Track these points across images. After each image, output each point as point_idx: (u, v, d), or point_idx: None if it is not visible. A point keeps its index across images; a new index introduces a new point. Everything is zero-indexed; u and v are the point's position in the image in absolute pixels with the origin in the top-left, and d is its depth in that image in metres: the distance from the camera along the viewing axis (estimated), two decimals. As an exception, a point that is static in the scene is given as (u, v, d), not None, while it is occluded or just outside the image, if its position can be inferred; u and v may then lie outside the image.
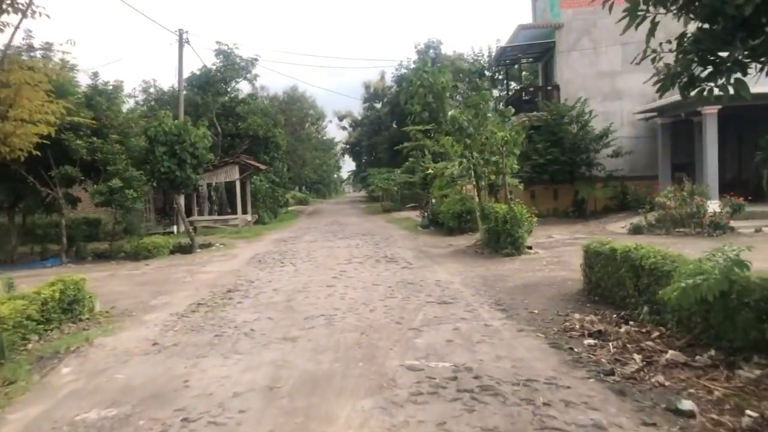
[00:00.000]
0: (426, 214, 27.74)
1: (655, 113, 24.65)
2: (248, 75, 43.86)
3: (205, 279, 14.98)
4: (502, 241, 15.87)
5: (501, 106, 33.29)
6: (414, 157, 43.20)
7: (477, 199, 19.92)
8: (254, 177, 40.26)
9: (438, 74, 26.01)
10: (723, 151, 23.32)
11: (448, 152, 40.57)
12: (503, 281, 12.27)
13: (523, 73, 41.24)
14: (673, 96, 22.29)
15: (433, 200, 29.34)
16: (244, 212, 32.45)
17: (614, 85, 27.79)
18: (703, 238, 17.23)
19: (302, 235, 26.63)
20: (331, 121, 76.24)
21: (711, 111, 19.36)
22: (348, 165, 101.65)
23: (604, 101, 27.34)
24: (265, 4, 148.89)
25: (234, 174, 30.38)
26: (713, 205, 18.48)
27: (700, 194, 18.48)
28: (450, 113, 16.98)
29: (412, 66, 54.74)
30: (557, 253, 15.86)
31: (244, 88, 49.42)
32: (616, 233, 19.97)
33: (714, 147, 19.47)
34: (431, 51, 54.07)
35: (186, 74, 46.25)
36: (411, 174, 43.22)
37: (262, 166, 34.71)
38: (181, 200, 30.09)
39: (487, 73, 48.65)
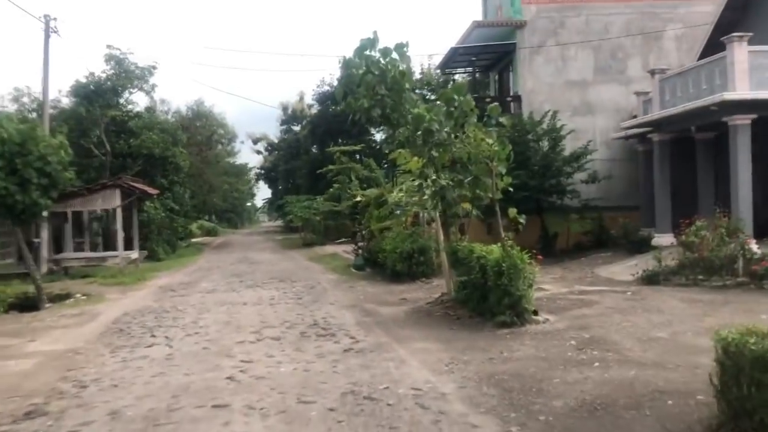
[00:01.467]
0: (360, 251, 22.17)
1: (644, 129, 20.14)
2: (145, 85, 37.29)
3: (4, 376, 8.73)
4: (494, 301, 10.44)
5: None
6: (339, 182, 37.78)
7: (440, 236, 14.50)
8: (147, 204, 33.57)
9: (393, 56, 20.43)
10: (716, 177, 19.03)
11: (378, 178, 35.20)
12: (539, 393, 6.74)
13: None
14: (676, 107, 18.38)
15: (364, 233, 23.80)
16: (129, 247, 25.80)
17: (585, 97, 23.32)
18: (757, 292, 12.45)
19: (199, 280, 20.39)
20: (243, 142, 69.71)
21: (743, 121, 14.83)
22: (263, 192, 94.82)
23: (574, 116, 22.76)
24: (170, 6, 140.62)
25: (114, 200, 23.84)
26: (752, 246, 13.82)
27: (733, 231, 13.78)
28: (415, 111, 11.48)
29: (336, 80, 49.80)
30: (576, 320, 10.56)
31: (140, 101, 42.75)
32: (620, 282, 15.00)
33: (747, 168, 14.90)
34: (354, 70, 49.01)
35: (70, 81, 39.37)
36: (336, 202, 37.64)
37: (153, 191, 28.16)
38: (44, 233, 23.30)
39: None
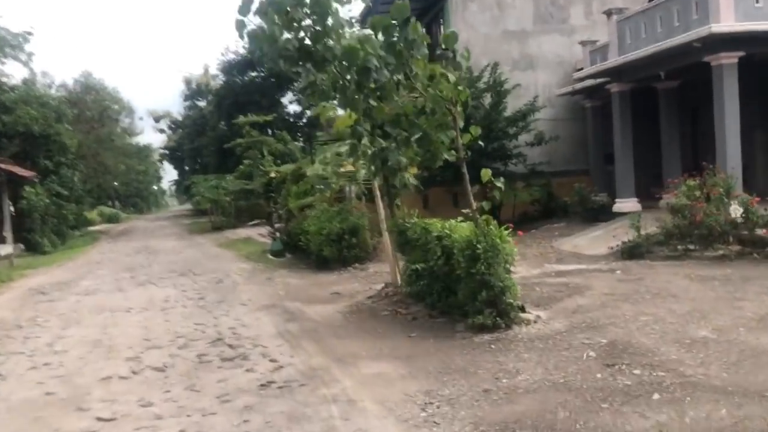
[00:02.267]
0: (277, 234, 18.95)
1: (593, 83, 17.83)
2: (20, 54, 32.31)
3: None
4: (466, 296, 7.63)
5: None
6: (250, 158, 34.16)
7: (381, 212, 11.52)
8: (26, 189, 28.90)
9: None
10: (682, 133, 17.01)
11: (294, 152, 31.89)
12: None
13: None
14: (643, 49, 13.99)
15: (281, 213, 20.62)
16: (-2, 241, 21.54)
17: (525, 49, 20.81)
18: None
19: (82, 277, 16.64)
20: (142, 119, 64.41)
21: (730, 59, 12.57)
22: (171, 174, 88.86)
23: (513, 71, 20.19)
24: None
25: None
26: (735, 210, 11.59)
27: (726, 190, 11.56)
28: (345, 43, 8.36)
29: (242, 48, 45.60)
30: (575, 315, 7.87)
31: (16, 73, 37.42)
32: (594, 258, 12.57)
33: (735, 117, 12.67)
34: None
35: None
36: (248, 180, 34.01)
37: (27, 173, 23.70)
38: None
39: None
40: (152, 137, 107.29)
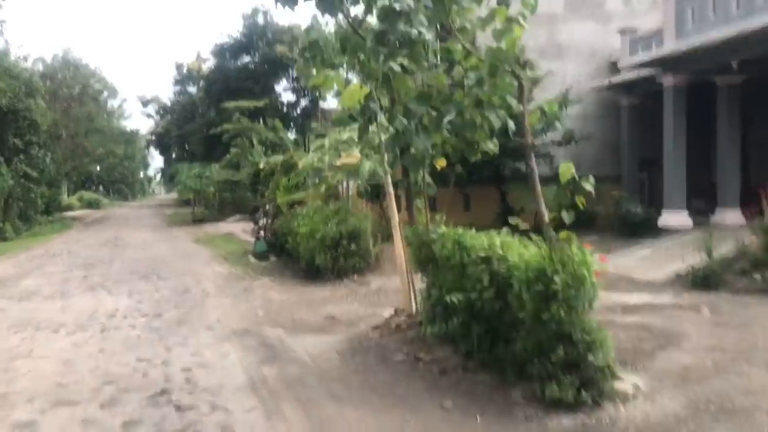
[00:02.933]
0: (262, 233, 16.38)
1: (634, 77, 15.38)
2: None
3: None
4: (530, 351, 5.13)
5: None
6: (238, 146, 31.53)
7: (393, 214, 8.89)
8: (-14, 168, 26.20)
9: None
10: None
11: (286, 142, 29.30)
12: None
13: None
14: (715, 32, 11.32)
15: (267, 208, 18.01)
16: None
17: (554, 36, 18.30)
18: None
19: (27, 274, 14.02)
20: (126, 100, 61.57)
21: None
22: (159, 161, 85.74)
23: (540, 59, 17.64)
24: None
25: None
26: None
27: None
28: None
29: (237, 31, 42.89)
30: (689, 385, 5.35)
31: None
32: (652, 285, 10.09)
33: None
34: (260, 16, 42.41)
35: None
36: (234, 170, 31.40)
37: None
38: None
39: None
40: (141, 122, 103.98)
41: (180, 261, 15.91)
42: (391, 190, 8.47)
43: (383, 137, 7.97)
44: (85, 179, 66.43)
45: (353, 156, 12.46)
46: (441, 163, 7.63)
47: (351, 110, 8.49)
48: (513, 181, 16.74)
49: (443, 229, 7.17)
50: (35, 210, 30.03)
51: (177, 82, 60.19)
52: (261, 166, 26.92)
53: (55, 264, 15.83)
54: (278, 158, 24.39)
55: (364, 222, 11.75)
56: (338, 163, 12.92)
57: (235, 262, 15.32)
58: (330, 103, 44.65)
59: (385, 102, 7.36)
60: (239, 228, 24.06)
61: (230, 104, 32.71)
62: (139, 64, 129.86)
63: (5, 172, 26.89)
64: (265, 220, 17.02)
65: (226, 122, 34.24)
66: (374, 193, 14.63)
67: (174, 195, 73.01)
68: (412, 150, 6.82)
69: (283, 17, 42.52)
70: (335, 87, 9.16)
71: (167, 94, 64.02)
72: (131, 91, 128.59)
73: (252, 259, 15.49)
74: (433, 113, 6.90)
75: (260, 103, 33.19)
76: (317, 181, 13.57)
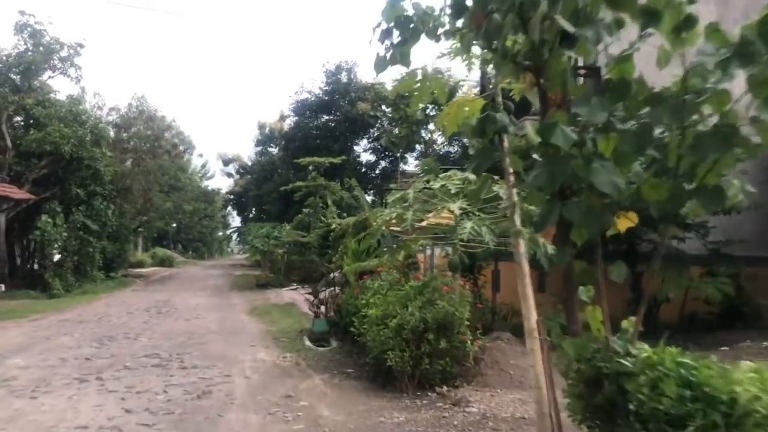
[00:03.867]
0: (323, 308, 13.09)
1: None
2: (70, 69, 28.46)
3: None
4: None
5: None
6: (311, 206, 28.83)
7: (529, 297, 5.34)
8: (42, 219, 24.37)
9: None
10: None
11: (363, 204, 26.38)
12: None
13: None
14: None
15: (334, 276, 14.70)
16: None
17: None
18: None
19: (31, 345, 11.18)
20: (201, 155, 61.03)
21: None
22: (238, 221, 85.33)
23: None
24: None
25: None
26: None
27: None
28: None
29: (318, 89, 41.11)
30: None
31: (63, 89, 33.61)
32: None
33: None
34: (343, 74, 40.55)
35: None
36: (305, 231, 28.62)
37: (20, 195, 18.66)
38: None
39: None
40: (221, 182, 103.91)
41: (221, 340, 12.72)
42: (524, 262, 4.92)
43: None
44: (160, 236, 65.87)
45: (442, 215, 9.13)
46: (627, 222, 4.08)
47: (462, 129, 5.25)
48: (650, 259, 12.82)
49: (644, 350, 3.59)
50: (92, 265, 27.95)
51: (258, 142, 59.39)
52: (333, 227, 24.00)
53: (71, 334, 12.95)
54: (350, 220, 21.43)
55: (460, 307, 8.20)
56: (424, 222, 9.58)
57: (287, 345, 11.97)
58: (413, 165, 41.96)
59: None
60: (304, 296, 20.92)
61: (305, 160, 30.21)
62: (220, 121, 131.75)
63: (60, 223, 25.02)
64: (327, 291, 13.74)
65: (302, 180, 31.93)
66: (471, 265, 11.12)
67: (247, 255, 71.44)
68: (599, 186, 3.37)
69: (367, 74, 40.38)
70: (426, 101, 5.89)
71: (248, 152, 63.02)
72: (212, 149, 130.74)
73: (307, 343, 12.14)
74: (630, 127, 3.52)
75: (337, 160, 30.55)
76: (395, 246, 10.19)
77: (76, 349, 11.11)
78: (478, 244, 8.18)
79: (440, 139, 35.77)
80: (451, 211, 8.52)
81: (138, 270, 42.70)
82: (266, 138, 57.82)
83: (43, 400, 7.48)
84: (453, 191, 8.70)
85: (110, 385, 8.27)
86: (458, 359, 8.18)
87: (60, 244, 24.88)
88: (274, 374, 9.36)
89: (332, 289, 14.28)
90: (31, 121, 27.81)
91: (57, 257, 25.39)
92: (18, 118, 28.39)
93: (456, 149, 36.25)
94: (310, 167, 31.08)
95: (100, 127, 28.78)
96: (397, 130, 34.15)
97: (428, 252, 13.46)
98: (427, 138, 36.77)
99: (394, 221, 9.05)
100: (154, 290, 27.50)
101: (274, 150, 55.82)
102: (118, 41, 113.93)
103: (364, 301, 10.45)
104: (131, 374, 9.01)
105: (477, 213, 8.47)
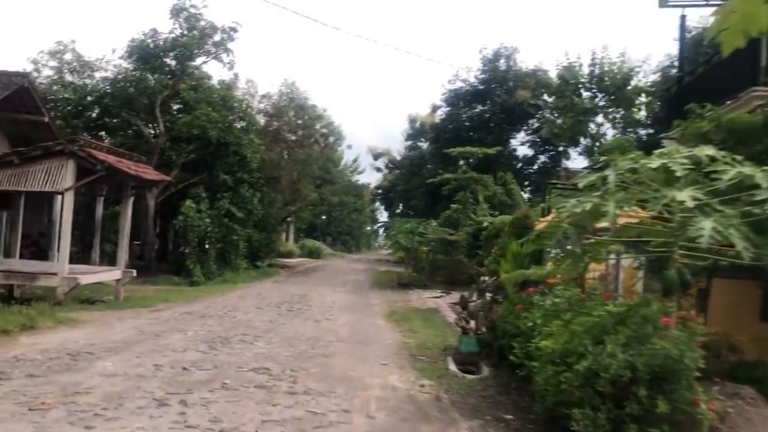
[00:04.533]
0: (473, 323, 10.57)
1: None
2: (222, 54, 27.95)
3: None
4: None
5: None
6: (460, 201, 26.32)
7: None
8: (186, 204, 23.91)
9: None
10: None
11: (519, 201, 23.54)
12: None
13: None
14: None
15: (485, 282, 12.06)
16: (82, 256, 15.87)
17: None
18: None
19: (132, 345, 9.70)
20: (350, 146, 60.40)
21: None
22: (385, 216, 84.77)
23: None
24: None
25: (61, 177, 13.86)
26: None
27: None
28: None
29: (474, 77, 38.50)
30: None
31: (215, 73, 33.41)
32: None
33: None
34: (501, 61, 37.55)
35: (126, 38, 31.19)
36: (452, 229, 26.17)
37: (153, 175, 17.73)
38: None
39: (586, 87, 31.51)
40: (370, 176, 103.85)
41: (348, 351, 10.59)
42: None
43: None
44: (310, 227, 66.42)
45: (637, 213, 6.34)
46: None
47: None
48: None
49: None
50: (236, 253, 27.33)
51: (409, 137, 57.83)
52: (483, 224, 21.40)
53: (185, 332, 11.41)
54: (504, 218, 18.78)
55: (689, 349, 5.34)
56: (624, 220, 6.76)
57: (426, 367, 9.58)
58: (576, 161, 38.13)
59: None
60: (449, 300, 18.52)
61: (456, 149, 27.73)
62: (371, 113, 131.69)
63: (204, 209, 24.46)
64: (478, 302, 11.18)
65: (451, 172, 29.56)
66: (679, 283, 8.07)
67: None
68: None
69: (528, 61, 37.20)
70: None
71: (397, 146, 61.58)
72: (362, 142, 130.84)
73: (452, 366, 9.67)
74: None
75: (492, 150, 27.77)
76: (578, 251, 7.43)
77: (180, 352, 9.43)
78: (706, 254, 5.39)
79: (610, 132, 31.81)
80: (675, 203, 5.68)
81: (285, 260, 42.56)
82: (416, 132, 56.07)
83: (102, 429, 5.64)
84: (679, 173, 5.82)
85: (192, 416, 6.30)
86: (683, 429, 5.32)
87: (202, 230, 24.29)
88: (406, 413, 6.98)
89: (483, 298, 11.71)
90: (182, 106, 27.77)
91: (200, 244, 24.85)
92: (173, 105, 28.46)
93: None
94: (461, 161, 28.54)
95: (248, 112, 28.11)
96: (560, 120, 30.66)
97: (613, 262, 10.48)
98: (594, 131, 32.91)
99: (583, 216, 6.31)
100: (294, 282, 26.37)
101: (424, 144, 53.96)
102: (268, 28, 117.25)
103: (530, 323, 7.87)
104: (225, 398, 7.03)
105: (718, 207, 5.56)
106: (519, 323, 8.38)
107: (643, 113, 30.61)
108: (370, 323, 14.47)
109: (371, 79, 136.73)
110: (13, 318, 10.38)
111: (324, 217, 67.38)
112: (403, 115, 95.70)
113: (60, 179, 13.77)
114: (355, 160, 74.65)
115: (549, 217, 12.22)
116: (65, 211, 13.96)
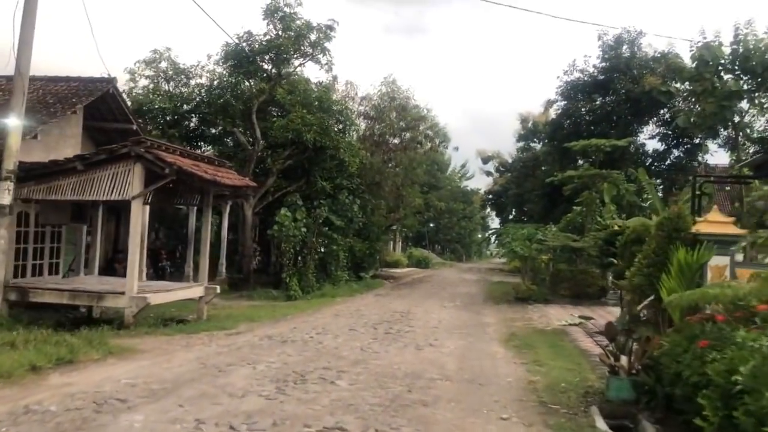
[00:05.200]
0: (624, 359, 7.79)
1: None
2: (319, 55, 26.14)
3: None
4: None
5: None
6: (584, 202, 23.13)
7: None
8: (281, 213, 22.26)
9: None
10: None
11: (655, 202, 20.20)
12: None
13: None
14: None
15: (639, 310, 9.14)
16: (174, 271, 14.25)
17: None
18: None
19: (177, 388, 7.71)
20: (457, 149, 57.72)
21: None
22: (497, 222, 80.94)
23: None
24: None
25: (129, 184, 12.30)
26: None
27: None
28: None
29: (592, 66, 34.84)
30: None
31: (313, 76, 31.68)
32: None
33: None
34: (624, 47, 33.69)
35: (220, 42, 30.80)
36: (576, 235, 22.97)
37: (238, 181, 15.91)
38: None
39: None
40: (479, 181, 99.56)
41: (454, 397, 8.06)
42: None
43: None
44: (418, 235, 64.31)
45: None
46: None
47: None
48: None
49: None
50: (336, 264, 25.49)
51: (520, 137, 54.60)
52: (615, 228, 18.21)
53: (255, 365, 9.28)
54: (644, 220, 15.71)
55: None
56: None
57: (565, 424, 6.90)
58: (716, 156, 33.60)
59: None
60: (577, 318, 15.53)
61: (579, 143, 24.54)
62: (477, 117, 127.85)
63: (300, 218, 22.73)
64: (633, 334, 8.31)
65: (570, 177, 26.35)
66: None
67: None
68: None
69: (657, 43, 33.13)
70: None
71: (508, 149, 58.29)
72: (469, 147, 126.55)
73: (600, 424, 6.94)
74: None
75: (622, 142, 24.36)
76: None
77: (238, 398, 7.30)
78: None
79: (760, 121, 27.29)
80: None
81: (392, 270, 40.60)
82: (529, 132, 52.75)
83: None
84: None
85: None
86: None
87: (298, 239, 22.57)
88: None
89: (634, 321, 8.85)
90: (277, 110, 26.39)
91: (296, 254, 23.15)
92: (270, 110, 27.12)
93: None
94: (580, 160, 25.28)
95: (347, 113, 26.28)
96: (698, 107, 26.56)
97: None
98: (737, 120, 28.43)
99: None
100: (398, 296, 24.12)
101: (537, 145, 50.45)
102: (366, 29, 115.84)
103: (723, 367, 5.17)
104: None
105: None
106: (707, 369, 5.61)
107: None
108: (485, 351, 11.85)
109: (479, 79, 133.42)
110: (51, 349, 8.67)
111: (432, 225, 65.03)
112: (514, 115, 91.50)
113: (127, 185, 12.21)
114: (463, 165, 71.75)
115: (713, 217, 9.28)
116: (133, 220, 12.36)
